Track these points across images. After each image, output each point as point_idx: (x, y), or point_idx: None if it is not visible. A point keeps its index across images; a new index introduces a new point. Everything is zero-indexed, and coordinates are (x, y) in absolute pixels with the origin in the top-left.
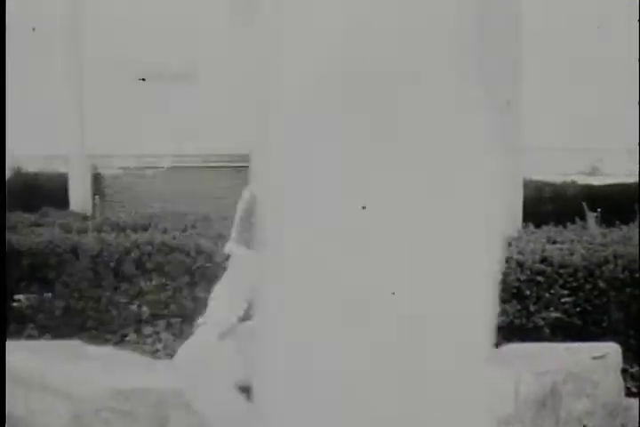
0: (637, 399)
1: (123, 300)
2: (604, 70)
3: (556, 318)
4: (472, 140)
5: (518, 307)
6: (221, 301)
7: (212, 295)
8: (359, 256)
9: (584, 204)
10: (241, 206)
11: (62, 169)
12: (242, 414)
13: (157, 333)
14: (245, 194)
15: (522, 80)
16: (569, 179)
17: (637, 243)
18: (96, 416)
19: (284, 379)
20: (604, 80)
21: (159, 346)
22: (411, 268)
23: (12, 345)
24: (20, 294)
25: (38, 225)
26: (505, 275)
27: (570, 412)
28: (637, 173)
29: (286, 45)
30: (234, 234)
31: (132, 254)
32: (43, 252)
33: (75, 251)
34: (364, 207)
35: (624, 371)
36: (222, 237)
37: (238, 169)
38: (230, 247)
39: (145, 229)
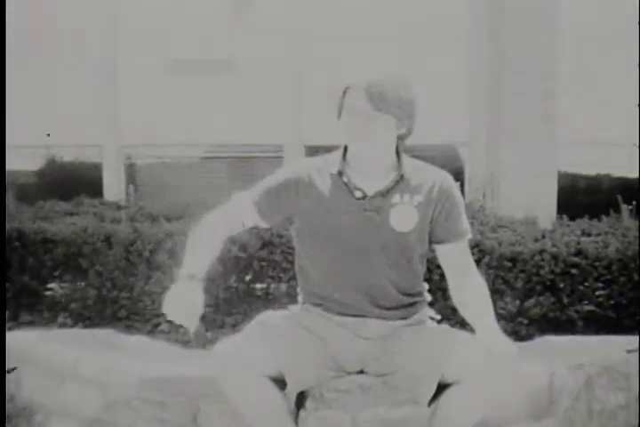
0: None
1: (155, 289)
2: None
3: (590, 311)
4: None
5: (552, 299)
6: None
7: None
8: None
9: (619, 196)
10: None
11: (96, 158)
12: (274, 404)
13: None
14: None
15: (560, 74)
16: (604, 171)
17: None
18: (128, 405)
19: None
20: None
21: (191, 336)
22: None
23: (44, 334)
24: (53, 282)
25: (72, 214)
26: (539, 267)
27: (604, 405)
28: None
29: None
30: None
31: (165, 244)
32: (76, 241)
33: (108, 240)
34: None
35: None
36: (255, 227)
37: (272, 159)
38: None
39: (178, 218)
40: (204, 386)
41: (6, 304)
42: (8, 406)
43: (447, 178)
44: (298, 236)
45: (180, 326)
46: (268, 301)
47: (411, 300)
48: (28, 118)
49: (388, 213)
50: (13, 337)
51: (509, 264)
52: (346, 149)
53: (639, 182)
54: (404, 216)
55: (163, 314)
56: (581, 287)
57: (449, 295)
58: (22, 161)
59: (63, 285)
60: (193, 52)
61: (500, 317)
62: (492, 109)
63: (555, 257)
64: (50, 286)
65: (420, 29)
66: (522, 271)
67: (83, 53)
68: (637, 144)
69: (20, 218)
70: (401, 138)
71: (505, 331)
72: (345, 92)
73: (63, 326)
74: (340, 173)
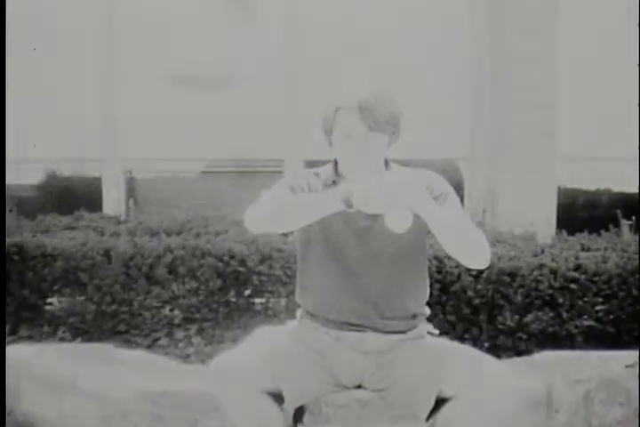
0: None
1: (155, 304)
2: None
3: (590, 326)
4: None
5: (551, 314)
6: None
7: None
8: None
9: (618, 211)
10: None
11: (96, 173)
12: (272, 419)
13: (189, 337)
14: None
15: (560, 89)
16: (603, 186)
17: None
18: (126, 419)
19: None
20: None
21: (191, 350)
22: None
23: (44, 348)
24: (52, 296)
25: (72, 228)
26: (538, 282)
27: (602, 420)
28: None
29: None
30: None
31: (165, 258)
32: (76, 255)
33: (108, 254)
34: None
35: None
36: (254, 242)
37: (272, 174)
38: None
39: (178, 233)
40: (202, 401)
41: (6, 318)
42: (7, 419)
43: (438, 178)
44: (301, 245)
45: (180, 341)
46: (268, 316)
47: (413, 310)
48: (27, 132)
49: (383, 218)
50: (13, 351)
51: (508, 279)
52: (336, 161)
53: (639, 197)
54: (399, 218)
55: (162, 328)
56: (580, 302)
57: (448, 310)
58: (22, 175)
59: (62, 299)
60: (193, 67)
61: (499, 331)
62: (492, 125)
63: (554, 272)
64: (49, 300)
65: (420, 44)
66: (521, 286)
67: (83, 67)
68: (638, 159)
69: (20, 232)
70: (388, 145)
71: (504, 345)
72: (335, 114)
73: (62, 340)
74: (335, 183)
